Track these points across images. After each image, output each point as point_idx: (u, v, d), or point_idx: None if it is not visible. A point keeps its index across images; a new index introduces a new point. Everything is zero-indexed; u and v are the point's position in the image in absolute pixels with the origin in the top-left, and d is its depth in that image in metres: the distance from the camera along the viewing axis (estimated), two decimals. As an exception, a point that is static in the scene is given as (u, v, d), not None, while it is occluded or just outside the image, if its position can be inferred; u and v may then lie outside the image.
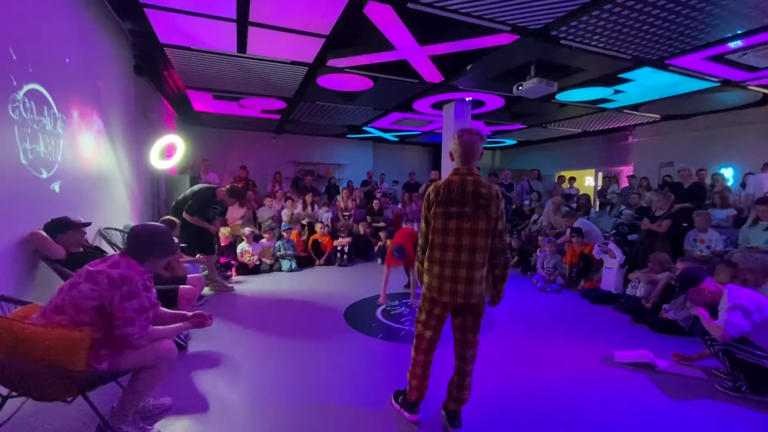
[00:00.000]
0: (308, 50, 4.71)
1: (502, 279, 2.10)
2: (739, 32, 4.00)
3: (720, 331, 2.52)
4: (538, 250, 6.13)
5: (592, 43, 4.33)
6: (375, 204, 8.11)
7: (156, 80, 6.17)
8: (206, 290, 4.70)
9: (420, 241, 2.16)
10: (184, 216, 4.49)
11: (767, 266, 3.57)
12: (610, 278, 4.90)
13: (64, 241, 2.74)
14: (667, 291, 4.07)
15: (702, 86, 5.86)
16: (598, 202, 8.12)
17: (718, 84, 5.69)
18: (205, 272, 4.81)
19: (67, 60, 3.21)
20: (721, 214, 5.46)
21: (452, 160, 2.12)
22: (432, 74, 5.57)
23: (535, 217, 7.28)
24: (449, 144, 2.14)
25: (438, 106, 7.44)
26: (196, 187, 4.80)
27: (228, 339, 3.39)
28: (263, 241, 6.44)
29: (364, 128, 9.92)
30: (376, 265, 6.99)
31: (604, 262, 5.09)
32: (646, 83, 5.76)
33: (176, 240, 3.81)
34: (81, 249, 2.90)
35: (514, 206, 8.37)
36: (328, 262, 6.82)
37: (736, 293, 2.62)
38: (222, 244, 6.12)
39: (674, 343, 3.51)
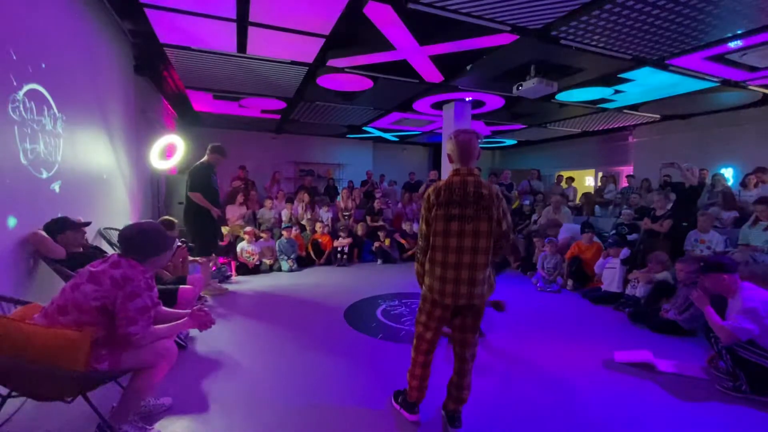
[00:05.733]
0: (308, 50, 4.71)
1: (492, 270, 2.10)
2: (739, 32, 4.00)
3: (727, 334, 2.52)
4: (537, 250, 6.14)
5: (592, 43, 4.33)
6: (375, 204, 8.11)
7: (156, 80, 6.17)
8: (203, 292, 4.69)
9: (420, 243, 2.15)
10: (189, 195, 4.35)
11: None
12: (611, 278, 4.88)
13: (64, 241, 2.74)
14: (668, 291, 4.07)
15: (702, 86, 5.87)
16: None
17: (718, 84, 5.69)
18: None
19: (66, 60, 3.21)
20: (723, 215, 5.47)
21: (451, 162, 2.12)
22: (432, 74, 5.57)
23: (535, 217, 7.28)
24: (446, 146, 2.14)
25: (438, 106, 7.44)
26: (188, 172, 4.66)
27: (228, 339, 3.39)
28: (262, 240, 6.44)
29: (364, 128, 9.92)
30: (375, 265, 6.99)
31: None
32: (646, 83, 5.76)
33: (176, 239, 3.81)
34: (81, 249, 2.90)
35: (514, 206, 8.37)
36: (328, 262, 6.82)
37: (750, 294, 2.60)
38: (222, 244, 6.12)
39: (674, 343, 3.51)
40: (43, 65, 2.79)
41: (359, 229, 7.43)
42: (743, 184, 6.14)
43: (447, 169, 2.15)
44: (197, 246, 4.45)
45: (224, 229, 6.35)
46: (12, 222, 2.46)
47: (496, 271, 2.24)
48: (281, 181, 9.70)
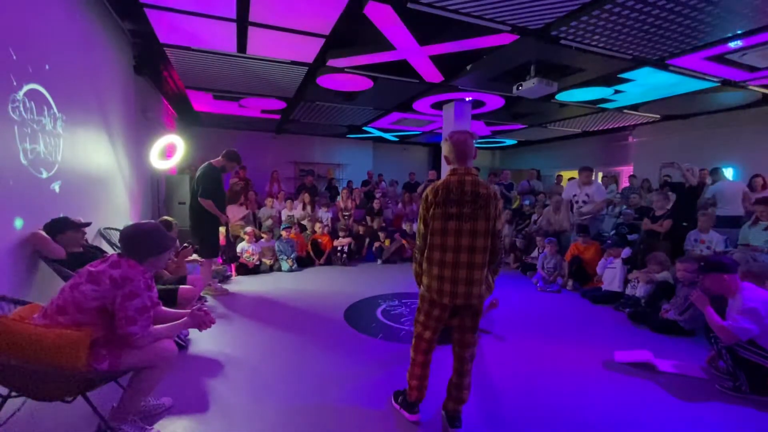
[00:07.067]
0: (308, 50, 4.71)
1: (493, 274, 2.10)
2: (739, 32, 4.00)
3: (727, 333, 2.52)
4: (536, 249, 6.14)
5: (592, 43, 4.33)
6: (375, 204, 8.12)
7: (156, 80, 6.17)
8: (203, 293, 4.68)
9: (418, 243, 2.15)
10: (199, 201, 4.29)
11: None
12: (611, 277, 4.87)
13: (64, 241, 2.73)
14: (669, 291, 4.07)
15: (702, 86, 5.87)
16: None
17: (718, 84, 5.70)
18: None
19: (66, 60, 3.21)
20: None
21: (449, 164, 2.12)
22: (432, 74, 5.57)
23: (534, 217, 7.28)
24: (443, 148, 2.14)
25: (438, 106, 7.45)
26: (198, 172, 4.52)
27: (228, 339, 3.39)
28: (262, 240, 6.43)
29: (364, 128, 9.92)
30: (375, 265, 6.99)
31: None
32: (646, 83, 5.76)
33: (176, 240, 3.80)
34: (81, 249, 2.89)
35: (514, 206, 8.38)
36: (328, 262, 6.82)
37: (750, 294, 2.59)
38: (221, 244, 6.10)
39: (674, 343, 3.51)
40: (44, 65, 2.79)
41: (376, 224, 7.56)
42: (749, 186, 6.12)
43: (446, 169, 2.15)
44: (204, 249, 4.45)
45: (223, 230, 6.34)
46: (19, 223, 2.47)
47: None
48: (281, 181, 9.70)
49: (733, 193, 5.43)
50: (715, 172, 5.99)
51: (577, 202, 5.82)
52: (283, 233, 6.56)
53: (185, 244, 3.88)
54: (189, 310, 2.12)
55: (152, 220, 2.12)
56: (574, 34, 4.11)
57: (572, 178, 9.02)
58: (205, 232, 4.45)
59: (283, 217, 7.54)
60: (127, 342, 1.82)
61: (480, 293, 2.01)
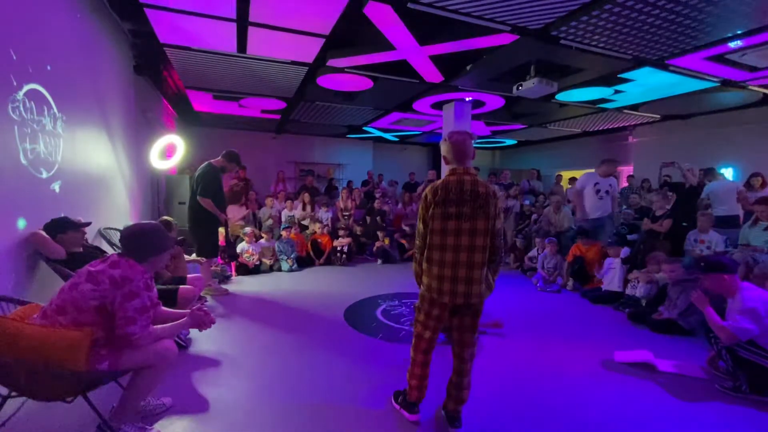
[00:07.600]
0: (308, 50, 4.72)
1: (493, 273, 2.10)
2: (739, 32, 4.00)
3: (727, 334, 2.52)
4: (536, 249, 6.14)
5: (592, 43, 4.33)
6: (377, 204, 8.11)
7: (156, 80, 6.17)
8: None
9: (417, 242, 2.15)
10: (198, 200, 4.26)
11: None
12: (611, 277, 4.87)
13: (64, 241, 2.73)
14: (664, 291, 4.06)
15: (702, 86, 5.87)
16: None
17: (718, 84, 5.70)
18: None
19: (66, 60, 3.21)
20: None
21: (447, 163, 2.13)
22: (432, 74, 5.57)
23: (534, 216, 7.28)
24: (442, 148, 2.15)
25: (438, 106, 7.44)
26: (198, 171, 4.49)
27: (228, 339, 3.39)
28: (262, 240, 6.43)
29: (364, 128, 9.92)
30: (375, 265, 6.99)
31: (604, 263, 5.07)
32: (646, 83, 5.76)
33: (175, 240, 3.80)
34: (81, 249, 2.90)
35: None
36: (328, 262, 6.82)
37: (750, 294, 2.59)
38: (221, 244, 6.10)
39: (674, 343, 3.51)
40: (44, 65, 2.79)
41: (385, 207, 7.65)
42: (748, 185, 6.13)
43: (446, 169, 2.16)
44: (203, 249, 4.43)
45: (223, 230, 6.34)
46: (22, 224, 2.47)
47: None
48: (285, 181, 9.71)
49: (727, 193, 5.42)
50: (710, 172, 5.99)
51: (598, 191, 5.78)
52: (283, 233, 6.56)
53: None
54: (189, 310, 2.12)
55: (152, 220, 2.13)
56: (574, 34, 4.11)
57: (573, 178, 9.05)
58: (203, 231, 4.44)
59: (283, 217, 7.54)
60: (127, 342, 1.82)
61: (480, 292, 2.01)
